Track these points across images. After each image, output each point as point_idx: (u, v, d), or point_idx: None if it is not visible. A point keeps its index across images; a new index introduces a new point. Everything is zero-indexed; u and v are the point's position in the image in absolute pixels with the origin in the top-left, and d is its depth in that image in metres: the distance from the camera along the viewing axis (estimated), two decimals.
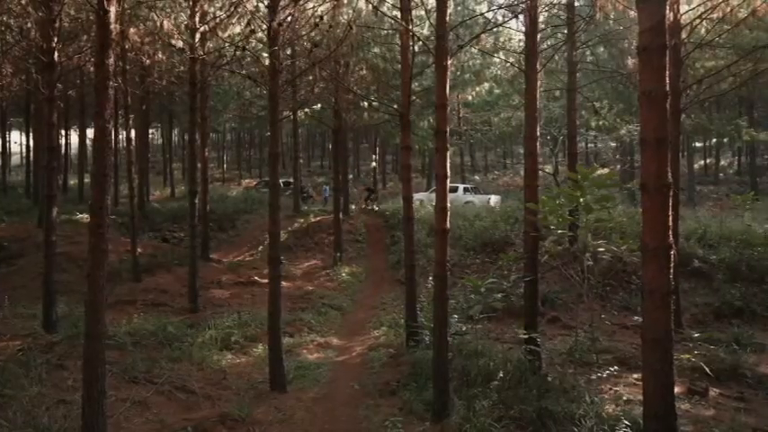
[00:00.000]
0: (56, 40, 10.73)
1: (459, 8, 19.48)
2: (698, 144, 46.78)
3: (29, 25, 11.57)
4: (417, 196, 20.36)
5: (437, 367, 6.94)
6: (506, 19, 9.91)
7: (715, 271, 14.57)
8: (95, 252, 5.96)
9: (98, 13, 5.96)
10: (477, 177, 41.80)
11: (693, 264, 14.71)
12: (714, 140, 31.25)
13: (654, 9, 3.77)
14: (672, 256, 3.84)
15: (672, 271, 3.86)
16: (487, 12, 10.51)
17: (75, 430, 6.24)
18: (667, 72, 3.84)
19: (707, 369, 8.32)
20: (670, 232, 3.84)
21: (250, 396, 8.01)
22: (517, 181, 38.96)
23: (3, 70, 12.64)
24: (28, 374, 7.51)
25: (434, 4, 7.42)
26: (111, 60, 5.91)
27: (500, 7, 10.03)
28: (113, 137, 25.06)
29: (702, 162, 44.85)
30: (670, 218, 3.85)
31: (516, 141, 41.81)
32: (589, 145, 31.56)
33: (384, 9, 10.93)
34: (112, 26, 5.97)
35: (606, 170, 13.69)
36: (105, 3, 5.87)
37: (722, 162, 46.05)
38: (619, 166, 33.11)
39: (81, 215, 23.05)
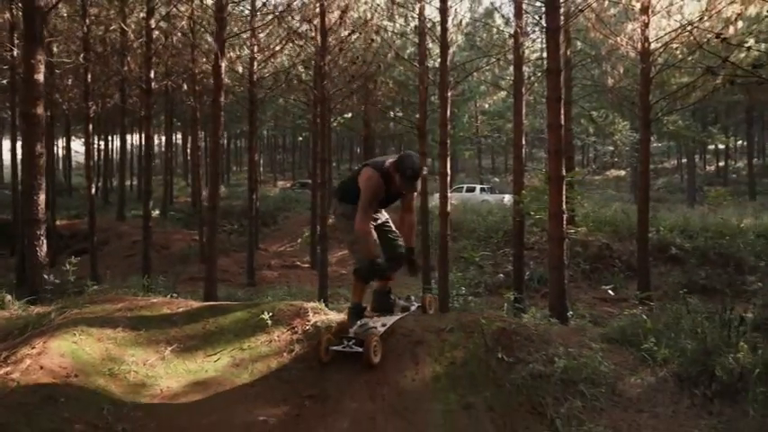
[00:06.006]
0: (153, 72, 14.01)
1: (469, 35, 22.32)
2: (720, 146, 48.60)
3: (129, 59, 14.95)
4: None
5: (441, 303, 9.87)
6: (498, 56, 12.72)
7: (689, 256, 17.10)
8: (212, 224, 9.10)
9: (214, 67, 9.08)
10: (496, 179, 44.42)
11: (671, 251, 17.29)
12: (722, 146, 33.39)
13: (553, 91, 6.68)
14: (563, 218, 6.74)
15: (564, 226, 6.76)
16: (484, 57, 13.27)
17: None
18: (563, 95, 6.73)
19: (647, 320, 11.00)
20: (564, 204, 6.74)
21: None
22: (534, 182, 41.46)
23: (108, 93, 16.07)
24: None
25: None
26: (225, 99, 9.03)
27: (487, 55, 12.88)
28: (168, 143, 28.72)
29: (719, 164, 46.58)
30: (563, 195, 6.74)
31: (534, 146, 44.38)
32: (590, 149, 33.99)
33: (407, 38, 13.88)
34: (223, 75, 9.09)
35: (583, 170, 16.33)
36: (219, 59, 9.00)
37: (739, 164, 47.79)
38: (629, 169, 35.47)
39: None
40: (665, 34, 14.79)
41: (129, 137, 33.47)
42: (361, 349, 3.42)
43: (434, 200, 19.99)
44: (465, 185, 28.05)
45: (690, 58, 16.40)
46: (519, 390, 3.04)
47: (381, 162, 3.68)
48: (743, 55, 13.60)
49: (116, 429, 2.79)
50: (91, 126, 16.02)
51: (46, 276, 4.91)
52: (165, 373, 3.40)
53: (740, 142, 48.52)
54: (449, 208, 10.20)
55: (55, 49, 14.32)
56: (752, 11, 14.55)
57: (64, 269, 4.78)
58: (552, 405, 2.91)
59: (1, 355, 3.26)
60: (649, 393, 3.08)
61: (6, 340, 3.70)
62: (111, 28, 16.11)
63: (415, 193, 3.94)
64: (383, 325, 3.65)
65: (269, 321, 3.90)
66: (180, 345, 3.63)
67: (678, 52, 15.63)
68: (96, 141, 34.34)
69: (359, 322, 3.67)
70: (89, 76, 15.23)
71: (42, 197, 6.94)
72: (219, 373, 3.46)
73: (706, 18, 12.89)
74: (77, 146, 48.92)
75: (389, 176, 3.58)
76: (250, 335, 3.77)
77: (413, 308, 4.13)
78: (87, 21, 14.67)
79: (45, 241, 6.89)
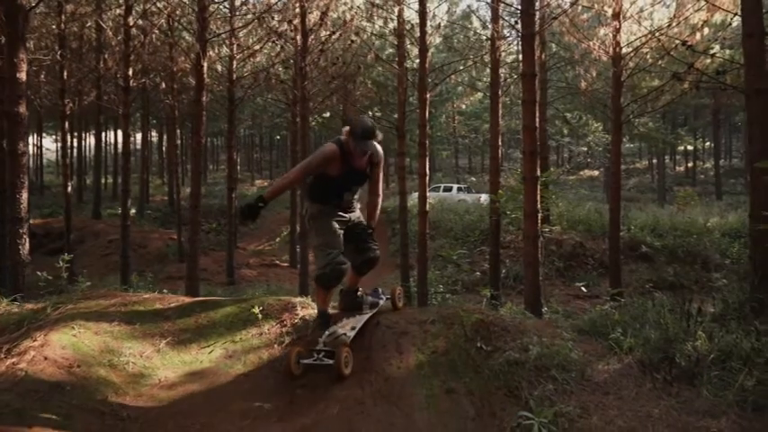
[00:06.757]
0: (131, 70, 13.95)
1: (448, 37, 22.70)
2: (689, 147, 50.04)
3: (106, 56, 14.86)
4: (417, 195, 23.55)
5: (420, 299, 10.14)
6: (475, 58, 13.02)
7: (658, 255, 17.71)
8: (194, 222, 9.18)
9: (196, 66, 9.16)
10: (473, 179, 44.93)
11: (641, 249, 17.88)
12: (691, 147, 34.48)
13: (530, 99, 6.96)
14: (538, 217, 7.03)
15: (539, 224, 7.04)
16: (461, 59, 13.55)
17: None
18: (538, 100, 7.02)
19: (615, 313, 11.44)
20: (538, 203, 7.02)
21: None
22: (510, 182, 42.11)
23: (85, 90, 15.91)
24: None
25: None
26: (205, 98, 9.12)
27: (465, 57, 13.18)
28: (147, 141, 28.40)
29: (689, 165, 47.92)
30: (538, 194, 7.03)
31: (510, 146, 45.08)
32: (565, 149, 34.82)
33: (386, 39, 14.11)
34: (204, 75, 9.18)
35: (558, 170, 16.77)
36: (201, 59, 9.08)
37: (707, 165, 49.26)
38: (602, 169, 36.29)
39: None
40: (636, 39, 15.28)
41: (103, 134, 32.99)
42: (331, 362, 3.43)
43: (413, 199, 20.33)
44: (442, 185, 28.43)
45: (659, 63, 17.00)
46: (496, 375, 3.29)
47: (339, 136, 3.69)
48: (708, 61, 14.14)
49: (121, 415, 2.95)
50: (67, 124, 15.85)
51: (39, 273, 4.99)
52: (162, 364, 3.56)
53: (708, 144, 49.99)
54: (427, 207, 10.46)
55: (29, 45, 14.13)
56: (717, 18, 15.14)
57: (57, 265, 4.89)
58: (527, 388, 3.16)
59: (3, 348, 3.38)
60: (615, 378, 3.36)
61: (3, 334, 3.82)
62: (88, 25, 15.99)
63: (380, 172, 3.86)
64: (353, 328, 3.69)
65: (259, 315, 4.09)
66: (174, 338, 3.81)
67: (648, 57, 16.15)
68: (70, 139, 33.77)
69: (327, 331, 3.69)
70: (65, 73, 15.09)
71: (25, 195, 6.98)
72: (214, 363, 3.63)
73: (674, 24, 13.39)
74: (48, 143, 48.03)
75: (347, 146, 3.55)
76: (241, 328, 3.96)
77: (381, 301, 4.21)
78: (63, 17, 14.54)
79: (27, 239, 6.92)
